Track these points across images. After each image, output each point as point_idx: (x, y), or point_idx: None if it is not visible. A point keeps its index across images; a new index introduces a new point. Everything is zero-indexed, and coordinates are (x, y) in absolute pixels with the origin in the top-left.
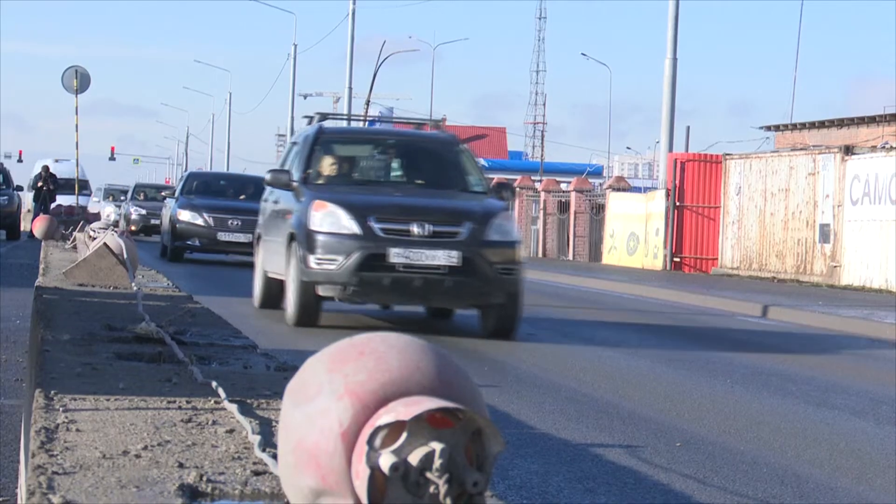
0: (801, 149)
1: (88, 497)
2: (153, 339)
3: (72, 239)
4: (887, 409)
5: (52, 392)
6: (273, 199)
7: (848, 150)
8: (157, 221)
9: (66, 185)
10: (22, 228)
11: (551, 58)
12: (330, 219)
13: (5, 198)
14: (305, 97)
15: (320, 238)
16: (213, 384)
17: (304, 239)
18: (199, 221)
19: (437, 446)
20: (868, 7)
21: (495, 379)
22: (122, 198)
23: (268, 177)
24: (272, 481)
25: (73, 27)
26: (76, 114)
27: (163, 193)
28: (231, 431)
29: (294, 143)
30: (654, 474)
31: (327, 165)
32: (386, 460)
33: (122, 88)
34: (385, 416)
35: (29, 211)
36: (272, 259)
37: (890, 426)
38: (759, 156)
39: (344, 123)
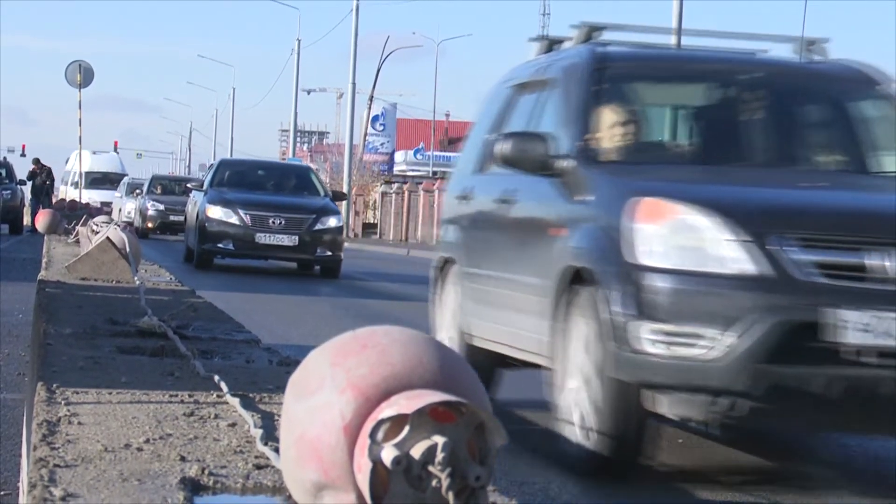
0: None
1: (90, 490)
2: (155, 333)
3: (74, 233)
4: None
5: (55, 385)
6: (497, 195)
7: None
8: (178, 218)
9: (105, 179)
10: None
11: None
12: (682, 238)
13: (8, 192)
14: (309, 92)
15: (665, 284)
16: (216, 378)
17: (620, 284)
18: (234, 220)
19: (439, 440)
20: (875, 6)
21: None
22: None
23: (505, 148)
24: (274, 475)
25: (76, 22)
26: (79, 108)
27: (188, 185)
28: (233, 425)
29: (526, 85)
30: (657, 470)
31: (620, 125)
32: (388, 454)
33: (125, 83)
34: (387, 410)
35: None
36: (495, 315)
37: None
38: None
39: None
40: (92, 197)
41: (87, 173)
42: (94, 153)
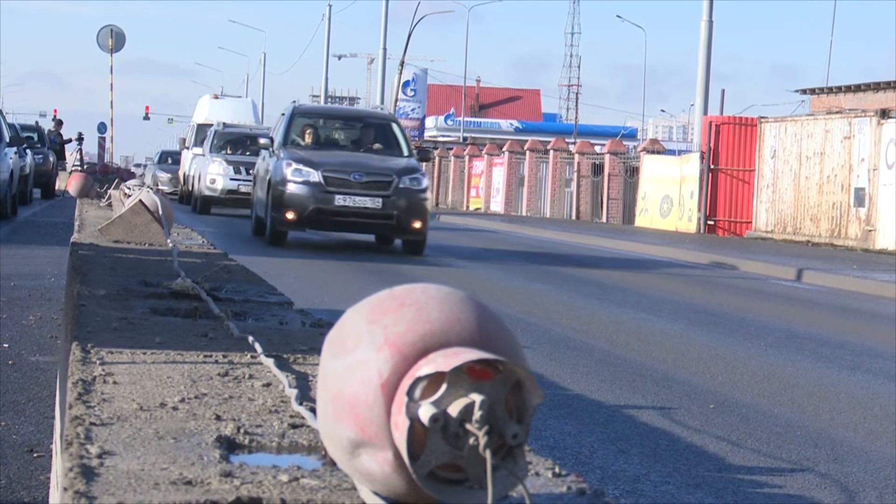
0: (837, 112)
1: (126, 448)
2: (189, 294)
3: (107, 196)
4: None
5: (89, 345)
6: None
7: (884, 114)
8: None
9: (239, 139)
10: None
11: (589, 19)
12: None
13: (40, 156)
14: (340, 58)
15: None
16: (250, 339)
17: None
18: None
19: (476, 398)
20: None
21: (529, 340)
22: (240, 150)
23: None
24: (309, 434)
25: None
26: (111, 73)
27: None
28: (267, 385)
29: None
30: (688, 436)
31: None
32: (425, 412)
33: (157, 48)
34: (425, 368)
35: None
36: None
37: None
38: (795, 119)
39: None
40: (226, 171)
41: (219, 132)
42: (218, 98)
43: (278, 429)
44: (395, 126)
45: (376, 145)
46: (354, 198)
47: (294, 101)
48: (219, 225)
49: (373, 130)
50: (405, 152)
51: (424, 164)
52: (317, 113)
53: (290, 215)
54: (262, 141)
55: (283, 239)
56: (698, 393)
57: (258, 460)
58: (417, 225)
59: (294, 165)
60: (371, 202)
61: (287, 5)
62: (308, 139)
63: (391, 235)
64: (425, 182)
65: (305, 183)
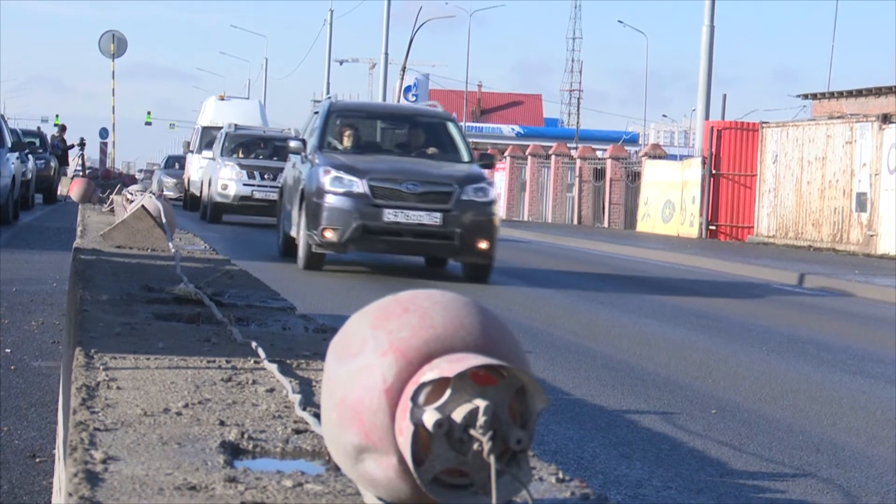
0: (839, 117)
1: (130, 453)
2: (192, 300)
3: (109, 202)
4: None
5: (93, 350)
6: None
7: (885, 119)
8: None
9: (252, 141)
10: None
11: (590, 24)
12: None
13: (42, 161)
14: (341, 63)
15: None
16: (253, 344)
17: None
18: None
19: (480, 403)
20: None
21: (531, 345)
22: (253, 154)
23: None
24: (313, 439)
25: None
26: (112, 78)
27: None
28: (271, 391)
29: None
30: (690, 441)
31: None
32: (430, 417)
33: (159, 52)
34: (429, 373)
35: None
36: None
37: None
38: (796, 124)
39: None
40: (238, 175)
41: (230, 134)
42: (223, 99)
43: (282, 434)
44: (451, 126)
45: (430, 149)
46: (408, 212)
47: (329, 97)
48: (232, 234)
49: (425, 131)
50: (465, 157)
51: (488, 171)
52: (358, 110)
53: (329, 234)
54: (293, 144)
55: (320, 263)
56: (700, 398)
57: (262, 466)
58: (484, 245)
59: (334, 173)
60: (428, 218)
61: (288, 10)
62: (347, 142)
63: (451, 258)
64: (492, 193)
65: (348, 194)
